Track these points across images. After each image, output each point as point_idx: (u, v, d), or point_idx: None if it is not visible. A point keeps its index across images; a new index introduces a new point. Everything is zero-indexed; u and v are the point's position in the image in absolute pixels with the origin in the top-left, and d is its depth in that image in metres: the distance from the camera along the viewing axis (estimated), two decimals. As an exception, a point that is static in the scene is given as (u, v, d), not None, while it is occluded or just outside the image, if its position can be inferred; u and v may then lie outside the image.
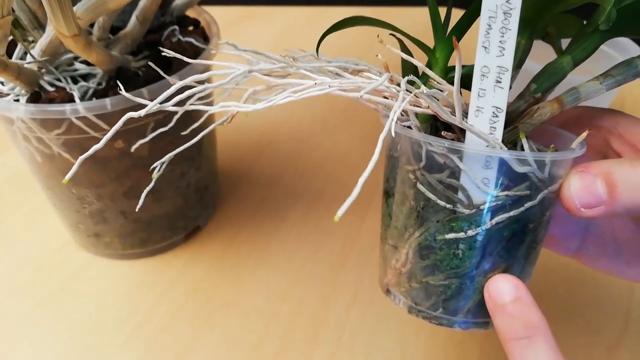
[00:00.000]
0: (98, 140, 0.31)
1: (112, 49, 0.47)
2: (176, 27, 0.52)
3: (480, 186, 0.32)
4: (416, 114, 0.33)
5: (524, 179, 0.32)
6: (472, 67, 0.30)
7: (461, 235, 0.33)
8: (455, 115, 0.30)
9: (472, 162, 0.32)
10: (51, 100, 0.44)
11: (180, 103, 0.32)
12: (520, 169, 0.31)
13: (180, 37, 0.51)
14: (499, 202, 0.32)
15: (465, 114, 0.31)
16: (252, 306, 0.54)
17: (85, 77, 0.47)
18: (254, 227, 0.62)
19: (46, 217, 0.63)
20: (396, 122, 0.29)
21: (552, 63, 0.33)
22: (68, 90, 0.45)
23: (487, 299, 0.34)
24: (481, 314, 0.35)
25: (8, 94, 0.45)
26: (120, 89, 0.33)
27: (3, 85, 0.46)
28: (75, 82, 0.46)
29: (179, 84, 0.30)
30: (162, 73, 0.38)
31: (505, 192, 0.32)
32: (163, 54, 0.33)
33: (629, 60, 0.33)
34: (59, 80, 0.46)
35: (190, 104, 0.33)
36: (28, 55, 0.45)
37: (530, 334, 0.32)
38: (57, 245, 0.60)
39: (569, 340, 0.50)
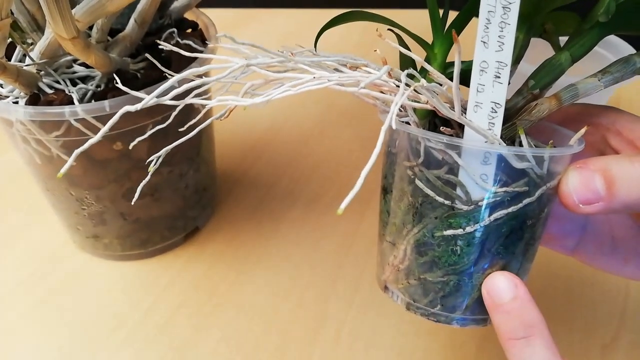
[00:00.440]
0: (97, 142, 0.31)
1: (111, 51, 0.47)
2: (174, 29, 0.52)
3: (479, 182, 0.32)
4: (414, 110, 0.33)
5: (522, 175, 0.32)
6: (470, 63, 0.30)
7: (459, 231, 0.33)
8: (454, 111, 0.30)
9: (471, 158, 0.32)
10: (50, 103, 0.44)
11: (179, 100, 0.32)
12: (518, 165, 0.31)
13: (179, 39, 0.51)
14: (498, 199, 0.32)
15: (463, 110, 0.31)
16: (251, 305, 0.54)
17: (84, 79, 0.47)
18: (252, 227, 0.62)
19: (45, 218, 0.63)
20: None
21: (550, 59, 0.34)
22: (67, 92, 0.45)
23: (486, 297, 0.34)
24: (479, 311, 0.35)
25: (7, 96, 0.45)
26: (117, 82, 0.33)
27: (2, 87, 0.46)
28: (74, 84, 0.46)
29: (177, 77, 0.31)
30: (161, 68, 0.38)
31: (504, 189, 0.32)
32: (163, 54, 0.34)
33: (627, 57, 0.33)
34: (58, 82, 0.46)
35: (189, 98, 0.33)
36: (27, 57, 0.45)
37: (528, 333, 0.32)
38: (56, 246, 0.60)
39: (564, 340, 0.50)
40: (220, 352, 0.50)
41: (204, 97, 0.37)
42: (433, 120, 0.35)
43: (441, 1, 0.34)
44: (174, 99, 0.31)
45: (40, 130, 0.44)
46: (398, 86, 0.30)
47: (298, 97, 0.30)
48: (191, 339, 0.51)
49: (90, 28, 0.47)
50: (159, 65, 0.38)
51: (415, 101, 0.31)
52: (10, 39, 0.42)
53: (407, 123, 0.34)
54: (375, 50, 0.31)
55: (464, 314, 0.36)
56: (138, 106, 0.30)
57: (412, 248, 0.35)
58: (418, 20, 0.40)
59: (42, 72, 0.45)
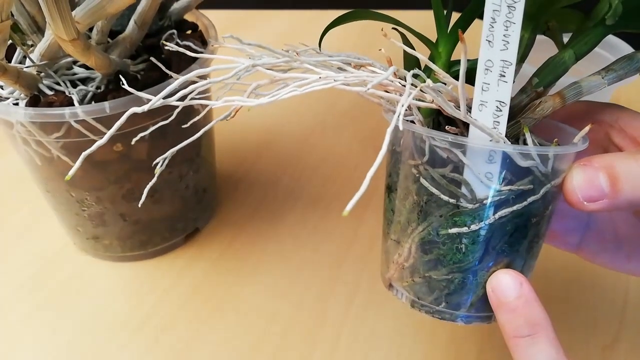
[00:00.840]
0: (97, 143, 0.31)
1: (111, 53, 0.47)
2: (174, 31, 0.52)
3: (484, 180, 0.32)
4: (419, 108, 0.33)
5: (527, 173, 0.32)
6: (475, 62, 0.30)
7: (464, 229, 0.33)
8: (459, 110, 0.30)
9: (476, 156, 0.32)
10: (50, 104, 0.44)
11: (183, 101, 0.32)
12: (523, 163, 0.31)
13: (179, 40, 0.51)
14: (502, 197, 0.32)
15: (468, 108, 0.31)
16: (251, 307, 0.54)
17: (84, 80, 0.47)
18: (252, 228, 0.62)
19: (45, 220, 0.63)
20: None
21: (553, 57, 0.34)
22: (67, 93, 0.45)
23: (490, 295, 0.34)
24: (484, 309, 0.35)
25: (7, 98, 0.45)
26: (123, 83, 0.33)
27: (2, 89, 0.46)
28: (74, 85, 0.46)
29: (183, 78, 0.31)
30: (164, 69, 0.38)
31: (509, 187, 0.32)
32: (163, 56, 0.34)
33: (630, 54, 0.33)
34: (58, 84, 0.46)
35: (192, 99, 0.33)
36: (27, 59, 0.45)
37: (533, 331, 0.32)
38: (56, 247, 0.60)
39: (565, 341, 0.50)
40: (220, 353, 0.50)
41: (205, 95, 0.37)
42: (437, 119, 0.35)
43: (444, 1, 0.34)
44: (177, 100, 0.31)
45: (40, 132, 0.44)
46: (403, 85, 0.30)
47: (298, 97, 0.30)
48: (192, 340, 0.51)
49: (90, 30, 0.47)
50: (161, 66, 0.38)
51: (421, 100, 0.31)
52: (10, 41, 0.42)
53: (412, 122, 0.34)
54: (380, 49, 0.31)
55: (468, 312, 0.36)
56: (145, 108, 0.30)
57: (417, 246, 0.35)
58: (419, 21, 0.40)
59: (42, 74, 0.45)
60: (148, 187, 0.36)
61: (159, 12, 0.51)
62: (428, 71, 0.33)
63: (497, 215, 0.33)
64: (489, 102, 0.31)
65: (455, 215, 0.33)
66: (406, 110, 0.33)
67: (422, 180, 0.34)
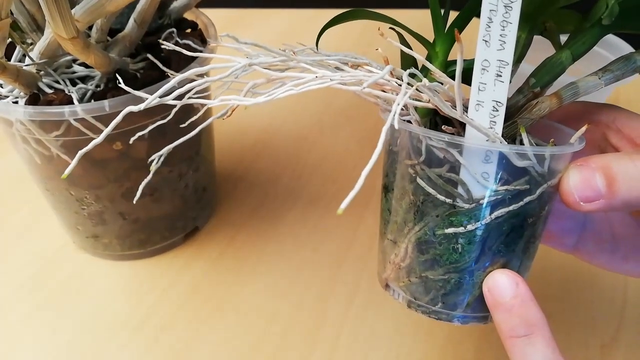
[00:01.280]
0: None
1: (111, 51, 0.47)
2: (174, 29, 0.52)
3: (480, 180, 0.32)
4: (416, 108, 0.33)
5: (523, 173, 0.32)
6: (472, 62, 0.30)
7: (460, 229, 0.33)
8: (455, 109, 0.30)
9: (472, 156, 0.32)
10: (50, 102, 0.44)
11: (180, 99, 0.32)
12: (520, 163, 0.32)
13: (178, 39, 0.51)
14: (499, 197, 0.32)
15: (465, 108, 0.31)
16: (250, 306, 0.54)
17: (84, 79, 0.47)
18: (252, 227, 0.62)
19: (45, 218, 0.63)
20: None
21: (551, 57, 0.34)
22: (67, 92, 0.45)
23: (487, 295, 0.34)
24: (480, 309, 0.35)
25: (7, 96, 0.45)
26: (119, 82, 0.33)
27: (2, 87, 0.46)
28: (73, 84, 0.46)
29: (179, 77, 0.31)
30: (163, 68, 0.38)
31: (505, 187, 0.32)
32: (162, 54, 0.34)
33: (628, 55, 0.33)
34: (58, 82, 0.46)
35: (190, 98, 0.33)
36: (27, 57, 0.45)
37: (529, 331, 0.32)
38: (56, 246, 0.60)
39: (564, 340, 0.50)
40: (220, 353, 0.50)
41: (203, 94, 0.37)
42: (434, 119, 0.35)
43: (441, 1, 0.35)
44: (175, 98, 0.31)
45: (39, 130, 0.44)
46: (400, 85, 0.30)
47: (296, 96, 0.30)
48: (191, 340, 0.51)
49: (90, 28, 0.47)
50: (160, 65, 0.38)
51: (417, 100, 0.31)
52: (10, 39, 0.42)
53: (409, 121, 0.34)
54: (377, 49, 0.31)
55: (465, 312, 0.36)
56: (141, 106, 0.30)
57: (414, 246, 0.35)
58: (417, 20, 0.40)
59: (42, 72, 0.45)
60: (143, 183, 0.36)
61: (158, 10, 0.51)
62: (425, 71, 0.33)
63: (493, 215, 0.33)
64: (485, 102, 0.31)
65: (451, 215, 0.33)
66: (403, 110, 0.33)
67: (419, 180, 0.34)
